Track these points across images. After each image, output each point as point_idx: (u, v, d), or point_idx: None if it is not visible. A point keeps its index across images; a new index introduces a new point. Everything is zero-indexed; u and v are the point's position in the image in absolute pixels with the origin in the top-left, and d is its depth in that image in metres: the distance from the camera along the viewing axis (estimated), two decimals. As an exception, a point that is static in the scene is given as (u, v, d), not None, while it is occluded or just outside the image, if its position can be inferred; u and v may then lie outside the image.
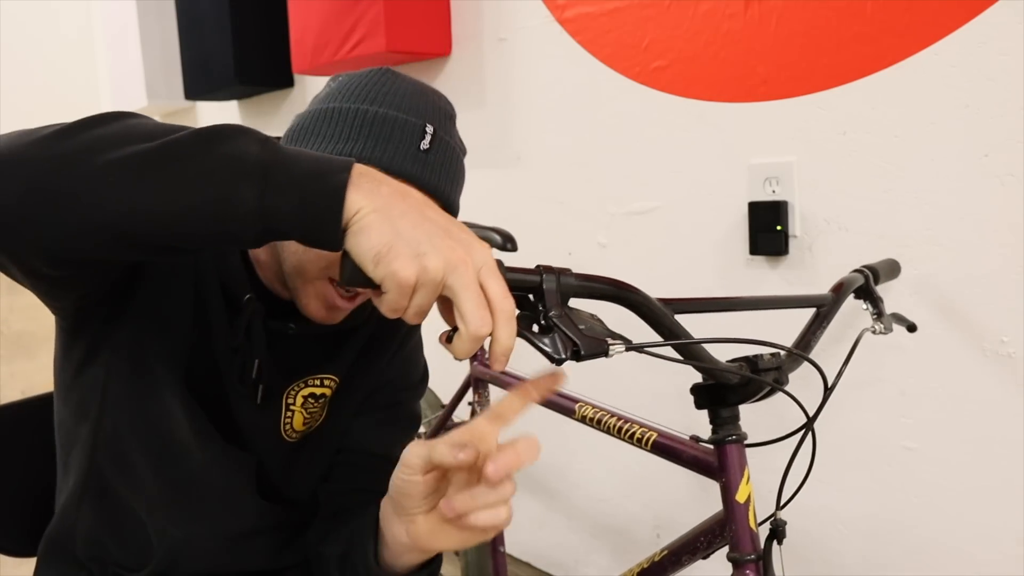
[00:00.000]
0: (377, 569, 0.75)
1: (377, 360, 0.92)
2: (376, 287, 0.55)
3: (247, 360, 0.82)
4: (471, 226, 1.51)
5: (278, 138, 0.70)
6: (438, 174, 0.78)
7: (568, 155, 1.79)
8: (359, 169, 0.56)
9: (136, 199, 0.54)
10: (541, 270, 0.63)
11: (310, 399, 0.88)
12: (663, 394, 1.62)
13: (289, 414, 0.87)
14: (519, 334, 0.59)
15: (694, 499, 1.63)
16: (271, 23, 2.51)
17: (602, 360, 0.62)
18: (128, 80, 3.26)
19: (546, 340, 0.61)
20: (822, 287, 1.36)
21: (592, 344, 0.61)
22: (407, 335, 0.96)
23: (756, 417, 0.92)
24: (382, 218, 0.54)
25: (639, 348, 0.65)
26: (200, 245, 0.58)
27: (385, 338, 0.93)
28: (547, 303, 0.62)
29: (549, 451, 1.95)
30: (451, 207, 0.80)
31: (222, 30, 2.55)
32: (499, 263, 0.59)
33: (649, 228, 1.64)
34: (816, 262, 1.37)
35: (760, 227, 1.42)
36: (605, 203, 1.72)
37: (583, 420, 1.11)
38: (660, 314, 0.70)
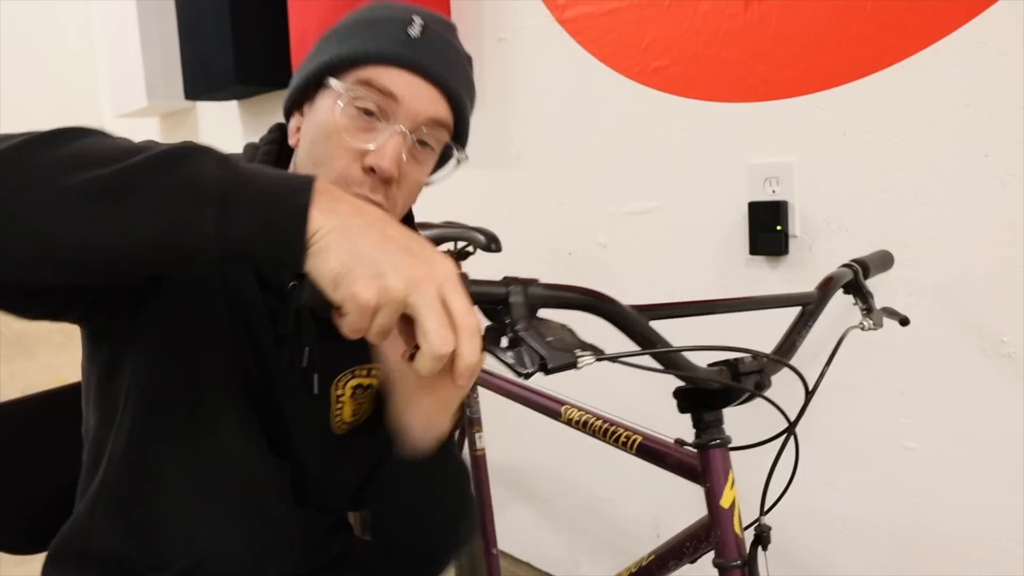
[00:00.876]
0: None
1: None
2: (337, 308, 0.54)
3: (295, 350, 0.80)
4: (456, 225, 1.51)
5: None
6: (430, 58, 0.77)
7: (568, 155, 1.79)
8: (319, 187, 0.55)
9: (92, 229, 0.52)
10: (507, 282, 0.61)
11: (358, 390, 0.86)
12: (654, 394, 1.62)
13: (339, 405, 0.85)
14: (485, 348, 0.58)
15: (695, 499, 1.63)
16: (271, 23, 2.50)
17: (592, 363, 0.61)
18: (128, 80, 3.26)
19: (511, 354, 0.59)
20: (822, 287, 1.36)
21: (560, 356, 0.60)
22: None
23: (745, 417, 0.91)
24: (340, 238, 0.54)
25: (611, 358, 0.63)
26: (161, 270, 0.58)
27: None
28: (514, 316, 0.60)
29: (549, 451, 1.95)
30: (451, 94, 0.79)
31: (222, 30, 2.54)
32: (464, 276, 0.59)
33: (649, 228, 1.64)
34: (816, 262, 1.37)
35: (760, 227, 1.42)
36: (605, 203, 1.72)
37: (569, 423, 1.10)
38: (633, 321, 0.69)
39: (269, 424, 0.82)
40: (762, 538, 0.82)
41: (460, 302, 0.55)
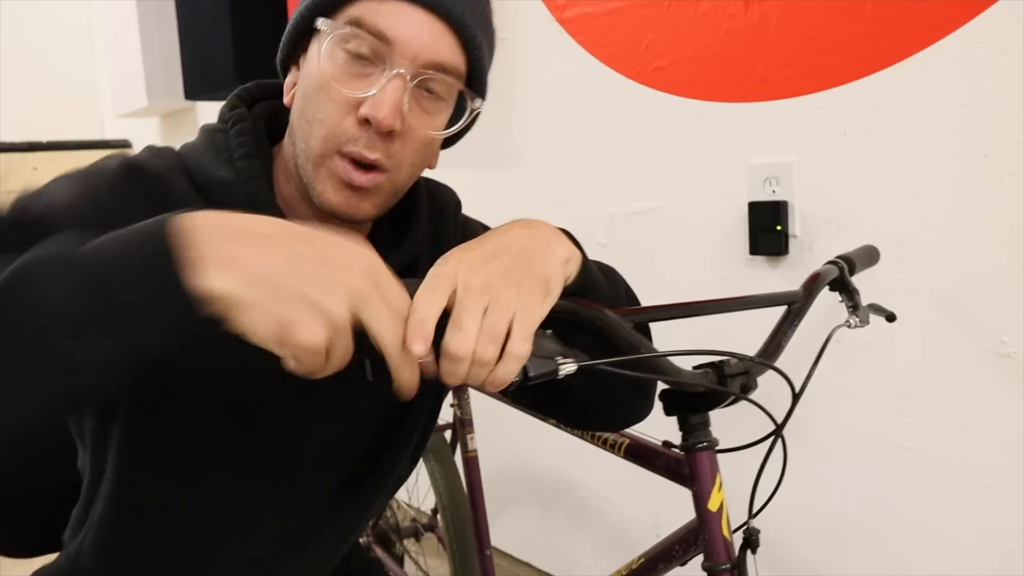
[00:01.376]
0: None
1: None
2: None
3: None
4: None
5: None
6: None
7: (568, 155, 1.79)
8: (180, 230, 0.45)
9: None
10: None
11: None
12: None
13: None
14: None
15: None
16: (271, 23, 2.50)
17: (574, 371, 0.60)
18: (128, 80, 3.26)
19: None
20: (822, 287, 1.37)
21: (540, 364, 0.58)
22: None
23: (735, 419, 0.91)
24: (249, 287, 0.45)
25: (592, 366, 0.61)
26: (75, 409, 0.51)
27: None
28: None
29: (549, 451, 1.95)
30: (460, 28, 0.68)
31: (222, 30, 2.54)
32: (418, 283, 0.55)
33: (649, 228, 1.64)
34: (816, 262, 1.37)
35: (760, 227, 1.42)
36: (605, 203, 1.72)
37: (557, 425, 1.09)
38: (615, 327, 0.67)
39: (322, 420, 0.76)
40: (751, 541, 0.80)
41: (395, 289, 0.51)
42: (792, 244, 1.40)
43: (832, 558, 1.41)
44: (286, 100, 0.75)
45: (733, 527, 0.83)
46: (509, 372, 0.55)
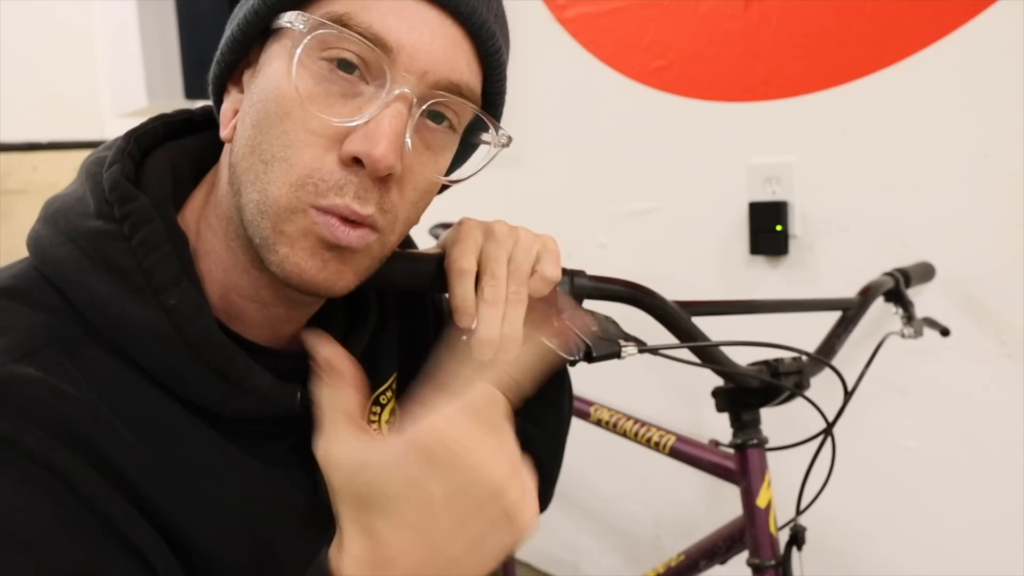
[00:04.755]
0: None
1: (420, 356, 0.68)
2: None
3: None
4: (446, 226, 1.50)
5: None
6: None
7: (568, 155, 1.79)
8: None
9: None
10: None
11: (393, 416, 0.67)
12: (674, 395, 1.62)
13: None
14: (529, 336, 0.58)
15: (696, 499, 1.63)
16: (271, 23, 2.50)
17: (615, 361, 0.62)
18: (128, 80, 3.26)
19: (557, 341, 0.60)
20: (823, 287, 1.37)
21: (604, 346, 0.61)
22: (439, 324, 0.73)
23: (776, 419, 0.91)
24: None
25: (653, 350, 0.64)
26: None
27: (416, 335, 0.70)
28: (560, 305, 0.61)
29: (549, 451, 1.95)
30: (480, 30, 0.54)
31: (222, 30, 2.54)
32: None
33: (649, 228, 1.64)
34: (817, 262, 1.37)
35: (760, 227, 1.42)
36: (605, 203, 1.72)
37: (598, 423, 1.10)
38: (676, 316, 0.69)
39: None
40: (797, 538, 0.83)
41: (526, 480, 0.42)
42: (792, 244, 1.40)
43: (832, 558, 1.41)
44: (224, 134, 0.54)
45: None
46: (540, 292, 0.56)
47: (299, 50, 0.48)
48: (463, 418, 0.40)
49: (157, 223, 0.49)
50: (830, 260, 1.35)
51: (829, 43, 1.31)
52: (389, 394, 0.66)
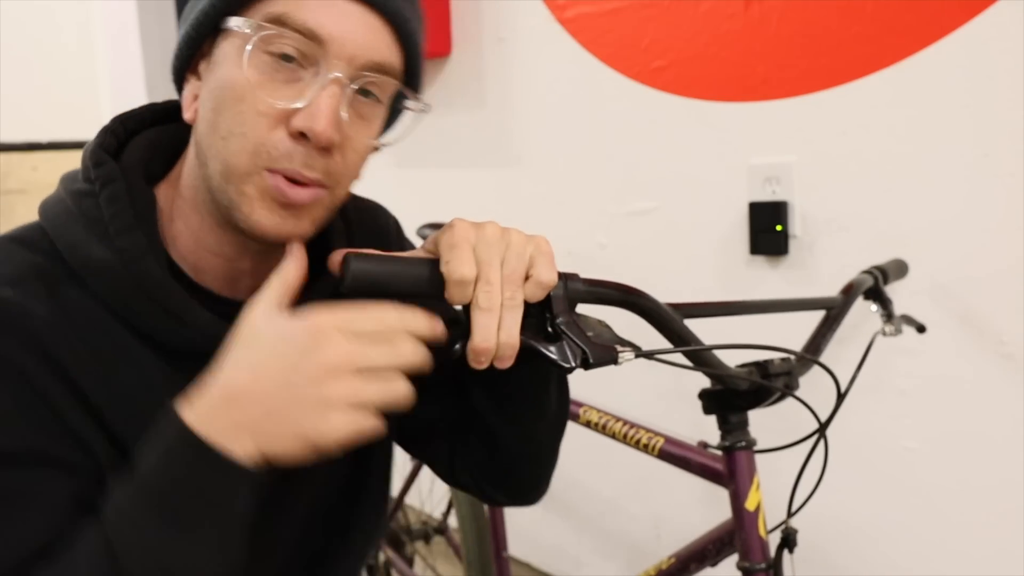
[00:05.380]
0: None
1: None
2: None
3: None
4: (435, 226, 1.50)
5: None
6: None
7: (568, 155, 1.79)
8: (196, 429, 0.51)
9: None
10: None
11: None
12: (667, 396, 1.62)
13: None
14: (525, 344, 0.58)
15: (695, 500, 1.63)
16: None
17: (632, 360, 0.62)
18: (128, 80, 3.26)
19: (553, 348, 0.60)
20: (823, 287, 1.37)
21: (601, 352, 0.60)
22: None
23: (765, 421, 0.91)
24: (261, 437, 0.51)
25: (649, 355, 0.63)
26: None
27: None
28: (555, 310, 0.60)
29: (549, 451, 1.95)
30: (397, 20, 0.61)
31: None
32: None
33: (649, 228, 1.64)
34: (816, 262, 1.37)
35: (760, 227, 1.42)
36: (605, 203, 1.72)
37: (588, 425, 1.10)
38: (669, 319, 0.69)
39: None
40: (789, 540, 0.82)
41: (364, 320, 0.53)
42: (792, 244, 1.40)
43: (832, 558, 1.41)
44: (187, 116, 0.65)
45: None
46: (536, 296, 0.58)
47: (248, 47, 0.58)
48: (341, 320, 0.51)
49: (120, 183, 0.61)
50: (830, 260, 1.35)
51: (829, 43, 1.31)
52: None
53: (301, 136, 0.58)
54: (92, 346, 0.59)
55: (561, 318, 0.60)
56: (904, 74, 1.24)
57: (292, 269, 0.57)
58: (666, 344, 0.68)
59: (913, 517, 1.30)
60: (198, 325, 0.61)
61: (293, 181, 0.59)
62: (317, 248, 0.67)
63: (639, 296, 0.67)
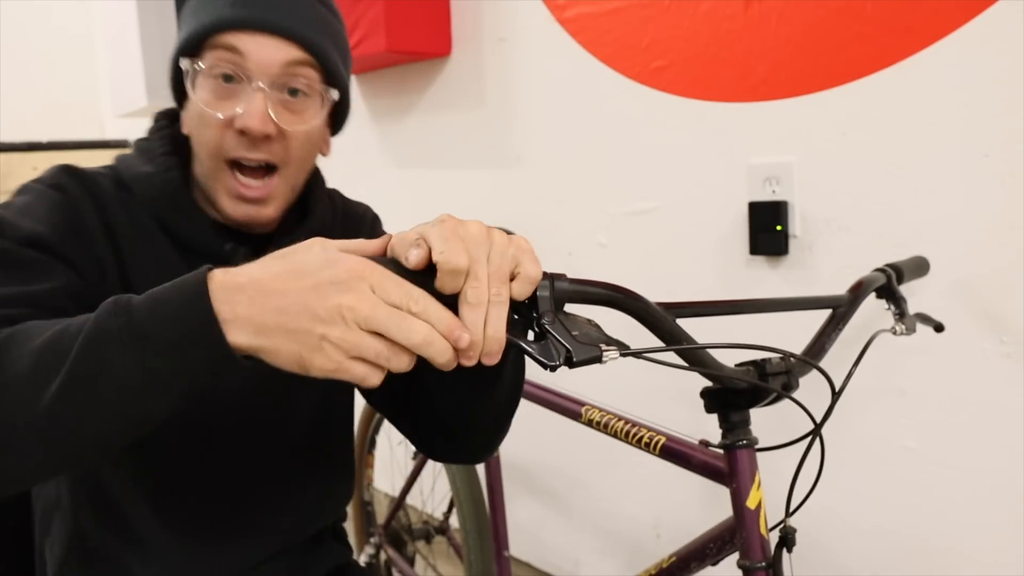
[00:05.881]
0: None
1: None
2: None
3: None
4: None
5: None
6: (260, 10, 0.78)
7: (568, 155, 1.79)
8: (212, 291, 0.54)
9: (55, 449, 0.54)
10: None
11: None
12: (670, 395, 1.62)
13: None
14: (511, 341, 0.58)
15: (695, 500, 1.63)
16: (271, 23, 2.50)
17: (620, 361, 0.61)
18: (128, 80, 3.26)
19: (537, 346, 0.60)
20: (823, 287, 1.37)
21: (585, 350, 0.60)
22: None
23: (768, 418, 0.91)
24: (262, 336, 0.53)
25: (636, 354, 0.63)
26: (130, 436, 0.58)
27: None
28: (540, 308, 0.60)
29: (549, 451, 1.95)
30: (299, 38, 0.79)
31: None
32: None
33: (649, 228, 1.64)
34: (816, 262, 1.37)
35: (760, 227, 1.42)
36: (605, 203, 1.72)
37: (589, 423, 1.09)
38: (660, 319, 0.68)
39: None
40: (787, 540, 0.81)
41: (398, 290, 0.54)
42: (792, 244, 1.40)
43: (831, 558, 1.41)
44: (184, 130, 0.86)
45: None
46: (523, 293, 0.59)
47: (194, 78, 0.81)
48: (379, 278, 0.54)
49: (167, 131, 0.87)
50: (830, 260, 1.35)
51: (829, 43, 1.31)
52: None
53: (243, 133, 0.78)
54: (131, 221, 0.81)
55: (546, 317, 0.60)
56: (904, 74, 1.24)
57: (369, 245, 0.60)
58: (656, 347, 0.68)
59: (913, 517, 1.30)
60: (199, 227, 0.83)
61: (248, 173, 0.81)
62: (297, 205, 0.89)
63: (627, 295, 0.67)
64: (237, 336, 0.53)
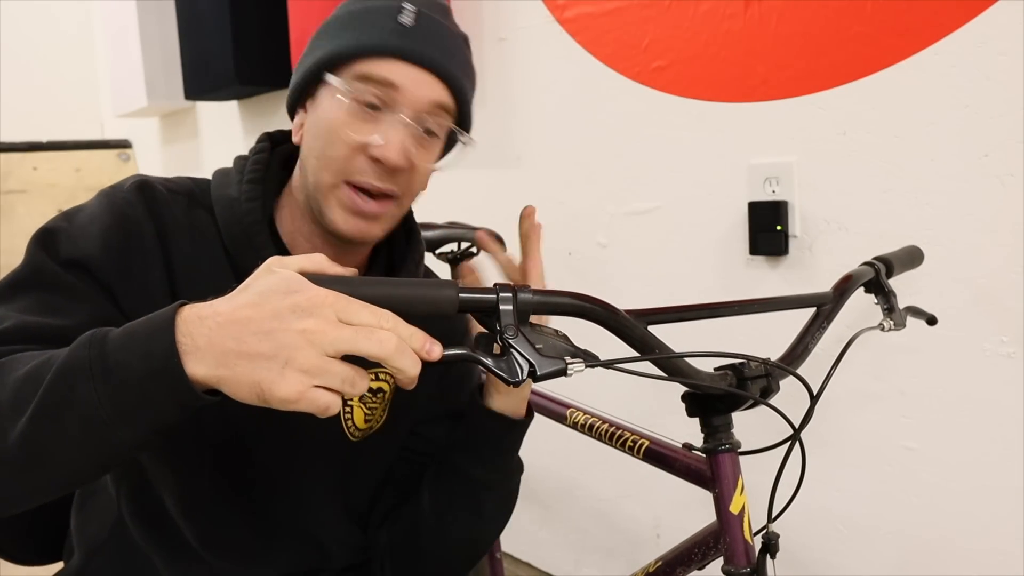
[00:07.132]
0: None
1: None
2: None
3: None
4: (459, 226, 1.49)
5: None
6: (424, 45, 0.77)
7: (568, 155, 1.79)
8: (178, 323, 0.54)
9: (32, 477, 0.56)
10: (497, 288, 0.60)
11: (367, 394, 0.86)
12: (670, 395, 1.62)
13: (348, 409, 0.85)
14: (472, 359, 0.58)
15: (695, 500, 1.63)
16: (271, 23, 2.50)
17: (583, 371, 0.60)
18: (128, 80, 3.26)
19: (501, 362, 0.59)
20: (823, 287, 1.35)
21: (549, 363, 0.59)
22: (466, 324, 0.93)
23: (758, 419, 0.90)
24: (220, 367, 0.53)
25: (605, 365, 0.62)
26: (99, 472, 0.61)
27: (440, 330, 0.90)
28: (503, 323, 0.59)
29: (549, 452, 1.95)
30: (450, 80, 0.79)
31: (222, 30, 2.54)
32: (453, 283, 0.59)
33: (649, 228, 1.64)
34: (816, 262, 1.37)
35: (760, 227, 1.42)
36: (605, 203, 1.72)
37: (574, 426, 1.08)
38: (629, 327, 0.67)
39: (284, 433, 0.82)
40: (770, 545, 0.80)
41: (364, 311, 0.54)
42: (792, 244, 1.40)
43: (831, 558, 1.41)
44: (295, 139, 0.84)
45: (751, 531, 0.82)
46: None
47: (341, 97, 0.77)
48: (341, 303, 0.54)
49: (264, 155, 0.85)
50: (830, 260, 1.35)
51: (829, 43, 1.31)
52: (377, 376, 0.86)
53: (377, 161, 0.77)
54: (194, 251, 0.79)
55: (509, 331, 0.59)
56: (904, 74, 1.24)
57: (323, 259, 0.61)
58: (626, 357, 0.66)
59: (914, 517, 1.30)
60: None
61: (367, 193, 0.78)
62: (393, 251, 0.90)
63: (595, 304, 0.65)
64: (196, 367, 0.53)
